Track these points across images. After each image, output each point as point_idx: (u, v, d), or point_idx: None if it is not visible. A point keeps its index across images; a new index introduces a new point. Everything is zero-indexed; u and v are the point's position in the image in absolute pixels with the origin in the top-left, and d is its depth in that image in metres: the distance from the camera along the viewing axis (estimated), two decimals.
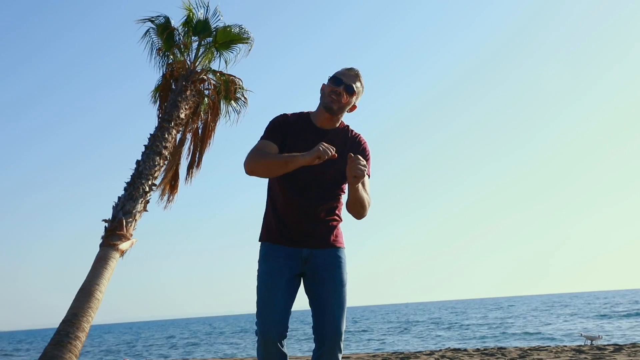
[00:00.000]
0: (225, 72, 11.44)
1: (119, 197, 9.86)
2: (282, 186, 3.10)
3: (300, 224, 3.09)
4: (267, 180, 3.21)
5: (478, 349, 12.85)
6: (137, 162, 10.17)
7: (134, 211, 9.68)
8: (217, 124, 11.58)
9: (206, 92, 11.46)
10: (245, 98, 11.58)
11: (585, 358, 9.35)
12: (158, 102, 11.53)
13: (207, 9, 11.17)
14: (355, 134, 3.21)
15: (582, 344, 14.95)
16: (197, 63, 11.26)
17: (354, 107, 3.18)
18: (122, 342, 45.54)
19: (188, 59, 11.27)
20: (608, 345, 12.84)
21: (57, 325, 8.75)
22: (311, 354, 3.18)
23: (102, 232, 9.52)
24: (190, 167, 11.71)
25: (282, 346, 2.98)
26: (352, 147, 3.12)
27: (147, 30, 11.15)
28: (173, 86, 11.12)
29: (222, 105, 11.56)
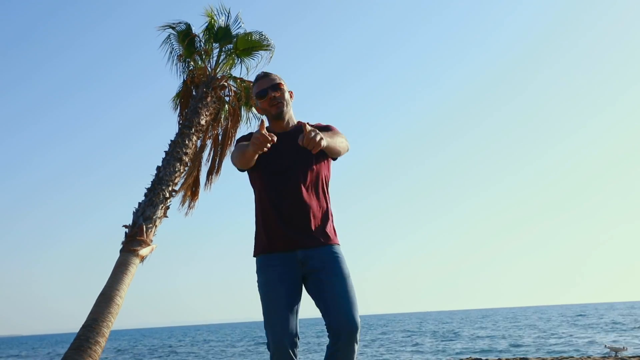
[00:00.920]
0: (246, 78, 11.53)
1: (139, 203, 9.92)
2: (263, 191, 3.15)
3: (288, 221, 3.07)
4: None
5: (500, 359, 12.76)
6: (158, 168, 10.25)
7: (154, 217, 9.74)
8: (238, 130, 11.68)
9: (227, 98, 11.53)
10: None
11: None
12: (179, 109, 11.63)
13: (228, 16, 11.28)
14: (319, 123, 3.26)
15: (607, 355, 14.79)
16: (218, 70, 11.35)
17: (291, 93, 3.25)
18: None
19: (209, 65, 11.35)
20: (633, 357, 12.69)
21: (75, 330, 8.84)
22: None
23: (122, 238, 9.58)
24: (210, 174, 11.80)
25: (295, 355, 2.97)
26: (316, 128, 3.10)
27: (168, 37, 11.30)
28: (194, 92, 11.21)
29: (243, 112, 11.65)
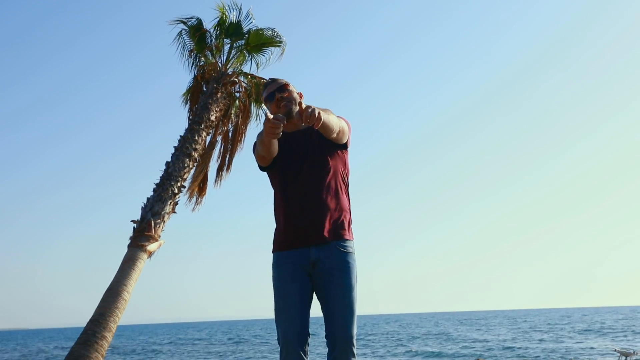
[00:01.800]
0: (256, 74, 11.50)
1: (148, 198, 9.94)
2: (279, 189, 3.23)
3: (302, 219, 3.13)
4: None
5: None
6: (167, 163, 10.25)
7: (162, 212, 9.75)
8: (248, 127, 11.66)
9: (237, 94, 11.50)
10: None
11: None
12: (189, 104, 11.61)
13: (239, 12, 11.24)
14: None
15: (617, 359, 14.70)
16: (229, 65, 11.32)
17: (300, 94, 3.27)
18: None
19: (220, 61, 11.33)
20: None
21: (81, 325, 8.91)
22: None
23: (130, 233, 9.62)
24: (219, 170, 11.79)
25: (304, 353, 3.04)
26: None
27: (180, 32, 11.28)
28: (204, 88, 11.20)
29: (253, 108, 11.61)
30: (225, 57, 11.36)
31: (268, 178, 3.36)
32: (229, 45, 11.35)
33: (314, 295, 3.18)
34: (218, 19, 11.24)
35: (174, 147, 10.43)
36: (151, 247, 9.48)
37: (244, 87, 11.47)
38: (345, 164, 3.28)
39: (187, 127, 10.70)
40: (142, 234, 9.47)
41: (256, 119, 11.66)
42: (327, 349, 3.09)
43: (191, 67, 11.44)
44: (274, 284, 3.17)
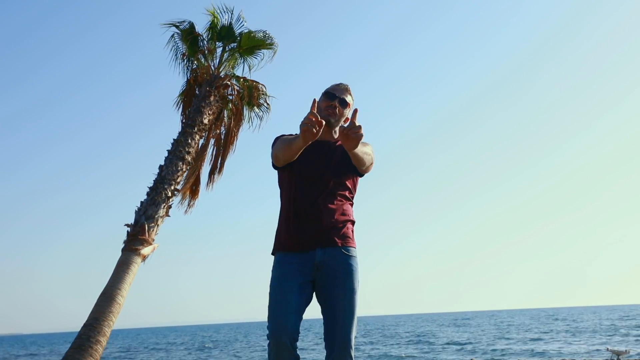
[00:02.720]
0: (248, 77, 11.53)
1: (142, 202, 9.95)
2: (290, 193, 3.23)
3: (311, 221, 3.16)
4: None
5: None
6: (160, 167, 10.26)
7: (156, 216, 9.77)
8: (240, 129, 11.67)
9: (230, 97, 11.52)
10: (268, 104, 11.66)
11: None
12: (181, 107, 11.63)
13: (231, 15, 11.27)
14: None
15: (609, 358, 14.78)
16: (221, 69, 11.36)
17: (347, 119, 3.32)
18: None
19: (212, 64, 11.36)
20: None
21: (75, 330, 8.91)
22: None
23: (124, 237, 9.62)
24: (212, 173, 11.79)
25: (294, 349, 3.02)
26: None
27: (172, 35, 11.31)
28: (197, 91, 11.21)
29: (245, 111, 11.63)
30: (217, 60, 11.41)
31: (277, 176, 3.37)
32: (221, 49, 11.40)
33: (314, 299, 3.19)
34: (210, 23, 11.28)
35: (168, 150, 10.45)
36: (145, 250, 9.47)
37: (237, 90, 11.49)
38: (355, 186, 3.38)
39: (180, 130, 10.72)
40: (136, 238, 9.47)
41: (249, 122, 11.70)
42: (320, 354, 3.08)
43: (184, 70, 11.50)
44: (273, 282, 3.15)
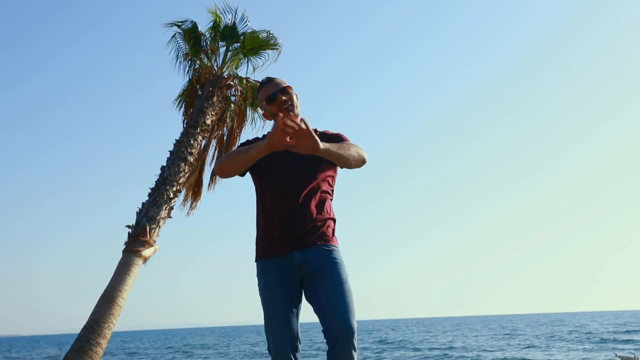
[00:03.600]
0: (252, 78, 11.53)
1: (143, 203, 9.95)
2: (263, 194, 3.15)
3: (287, 225, 3.07)
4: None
5: None
6: (162, 167, 10.27)
7: (157, 217, 9.77)
8: (243, 130, 11.67)
9: (232, 98, 11.51)
10: None
11: None
12: (184, 108, 11.63)
13: (234, 14, 11.27)
14: (327, 130, 3.24)
15: None
16: (224, 69, 11.34)
17: (296, 95, 3.21)
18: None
19: (215, 64, 11.34)
20: None
21: (76, 331, 8.85)
22: None
23: (125, 238, 9.61)
24: (214, 174, 11.75)
25: (296, 359, 2.98)
26: (326, 138, 3.08)
27: (174, 35, 11.31)
28: (199, 92, 11.21)
29: (248, 112, 11.62)
30: (220, 60, 11.40)
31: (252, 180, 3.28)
32: (224, 48, 11.39)
33: (304, 301, 3.12)
34: (213, 22, 11.28)
35: (170, 151, 10.46)
36: (146, 252, 9.46)
37: (240, 90, 11.48)
38: (333, 176, 3.25)
39: (182, 131, 10.72)
40: (137, 239, 9.46)
41: (251, 123, 11.71)
42: (321, 357, 3.04)
43: (186, 70, 11.49)
44: (262, 293, 3.10)
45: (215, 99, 10.87)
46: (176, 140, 10.57)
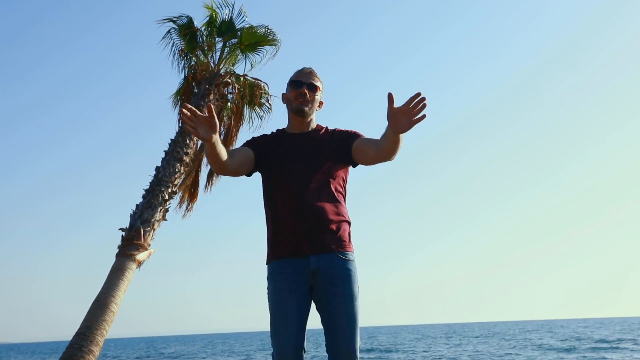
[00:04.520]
0: (249, 75, 11.41)
1: (137, 205, 9.87)
2: (274, 193, 3.15)
3: (302, 225, 3.06)
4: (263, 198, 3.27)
5: None
6: (157, 168, 10.19)
7: (152, 220, 9.70)
8: (240, 129, 11.55)
9: (229, 96, 11.40)
10: (270, 104, 11.54)
11: None
12: (179, 106, 11.51)
13: (231, 9, 11.13)
14: (338, 128, 3.29)
15: None
16: (221, 66, 11.22)
17: (321, 103, 3.28)
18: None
19: (212, 61, 11.22)
20: None
21: (68, 338, 8.78)
22: None
23: (118, 242, 9.55)
24: (210, 175, 11.71)
25: None
26: (340, 134, 3.21)
27: (169, 31, 11.16)
28: (195, 89, 11.11)
29: (246, 111, 11.51)
30: (217, 56, 11.28)
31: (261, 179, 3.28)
32: (221, 44, 11.26)
33: (312, 307, 3.13)
34: (209, 17, 11.15)
35: (165, 151, 10.38)
36: (140, 256, 9.41)
37: (237, 88, 11.36)
38: (345, 177, 3.26)
39: (177, 130, 10.63)
40: (131, 243, 9.41)
41: (249, 122, 11.58)
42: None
43: (182, 67, 11.38)
44: (271, 296, 3.09)
45: (211, 96, 10.77)
46: (171, 139, 10.49)
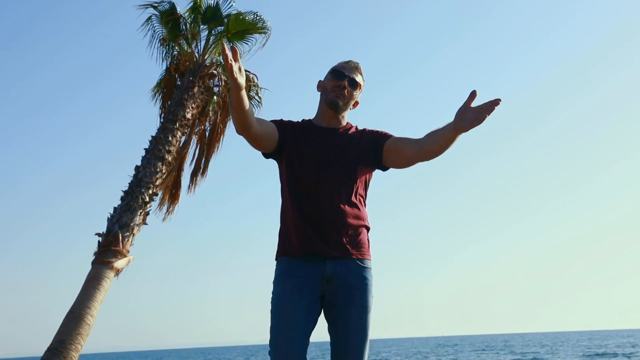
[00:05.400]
0: None
1: (115, 208, 9.75)
2: (293, 187, 3.03)
3: (319, 228, 2.96)
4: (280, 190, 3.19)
5: None
6: (137, 167, 10.04)
7: (131, 224, 9.60)
8: (227, 125, 11.37)
9: (216, 89, 11.26)
10: (259, 97, 11.45)
11: None
12: (160, 100, 11.37)
13: None
14: (367, 128, 3.21)
15: None
16: (207, 55, 11.07)
17: (357, 102, 3.19)
18: None
19: (196, 50, 11.09)
20: None
21: (38, 354, 8.96)
22: None
23: (94, 248, 9.46)
24: (194, 175, 11.57)
25: None
26: (370, 135, 3.12)
27: (149, 18, 10.95)
28: (178, 82, 10.94)
29: None
30: (202, 45, 11.14)
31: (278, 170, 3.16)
32: (206, 33, 11.11)
33: (321, 316, 3.02)
34: (192, 3, 10.99)
35: (145, 149, 10.21)
36: (118, 264, 9.33)
37: (224, 80, 11.15)
38: (369, 179, 3.18)
39: (159, 126, 10.47)
40: (109, 249, 9.30)
41: None
42: None
43: (163, 57, 11.19)
44: (276, 300, 2.94)
45: (196, 89, 10.57)
46: (152, 136, 10.31)
